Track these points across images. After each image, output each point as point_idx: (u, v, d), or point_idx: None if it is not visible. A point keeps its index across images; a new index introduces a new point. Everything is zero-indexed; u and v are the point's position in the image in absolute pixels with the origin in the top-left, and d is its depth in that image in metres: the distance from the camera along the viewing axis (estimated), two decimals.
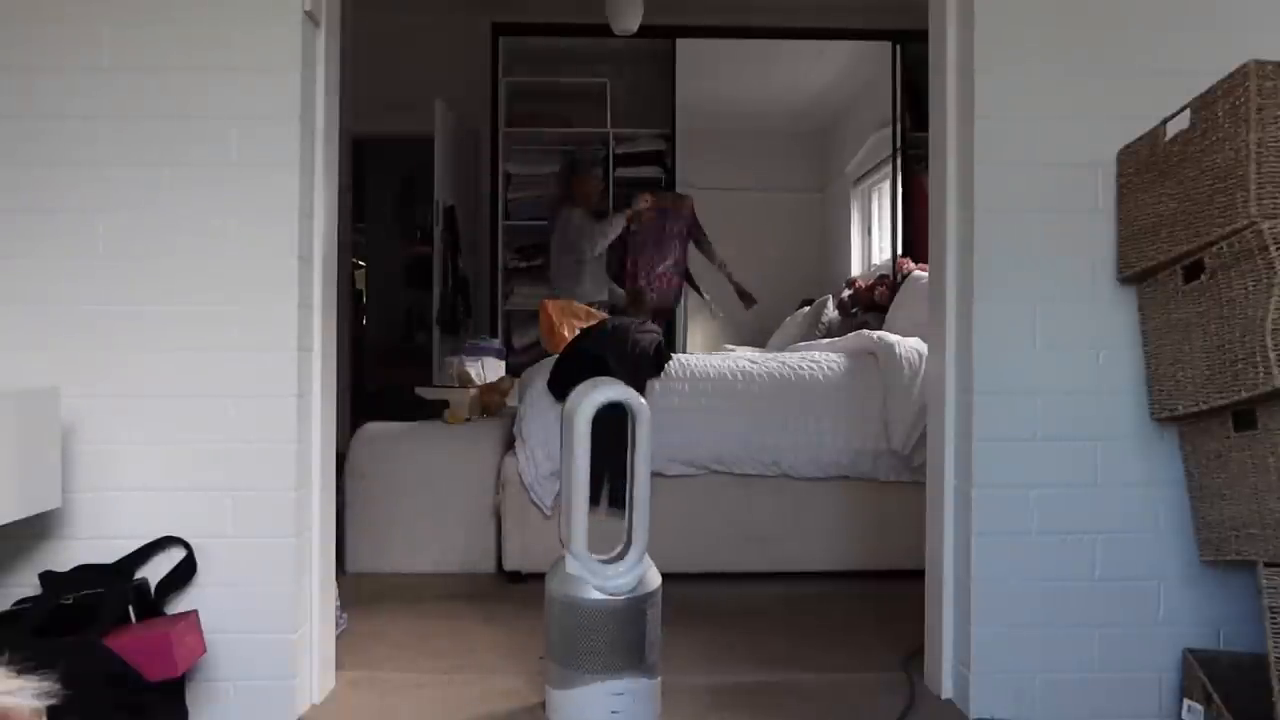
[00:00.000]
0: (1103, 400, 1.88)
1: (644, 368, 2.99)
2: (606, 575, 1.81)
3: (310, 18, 1.88)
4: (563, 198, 4.90)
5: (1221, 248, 1.59)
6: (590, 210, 4.77)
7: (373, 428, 3.19)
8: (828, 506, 2.99)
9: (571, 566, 1.83)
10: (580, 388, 1.89)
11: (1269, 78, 1.52)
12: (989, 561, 1.87)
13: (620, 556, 1.87)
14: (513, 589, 2.90)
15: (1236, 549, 1.68)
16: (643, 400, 1.88)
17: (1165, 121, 1.73)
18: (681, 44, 5.47)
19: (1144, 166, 1.79)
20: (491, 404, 3.49)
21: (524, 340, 5.64)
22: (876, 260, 5.55)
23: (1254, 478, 1.62)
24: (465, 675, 2.13)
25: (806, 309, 5.04)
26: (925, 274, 4.08)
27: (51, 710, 1.22)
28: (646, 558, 1.87)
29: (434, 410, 3.30)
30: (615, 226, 4.67)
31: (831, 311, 4.72)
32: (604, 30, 4.84)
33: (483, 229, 5.63)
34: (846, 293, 4.71)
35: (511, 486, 2.96)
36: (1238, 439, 1.65)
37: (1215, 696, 1.69)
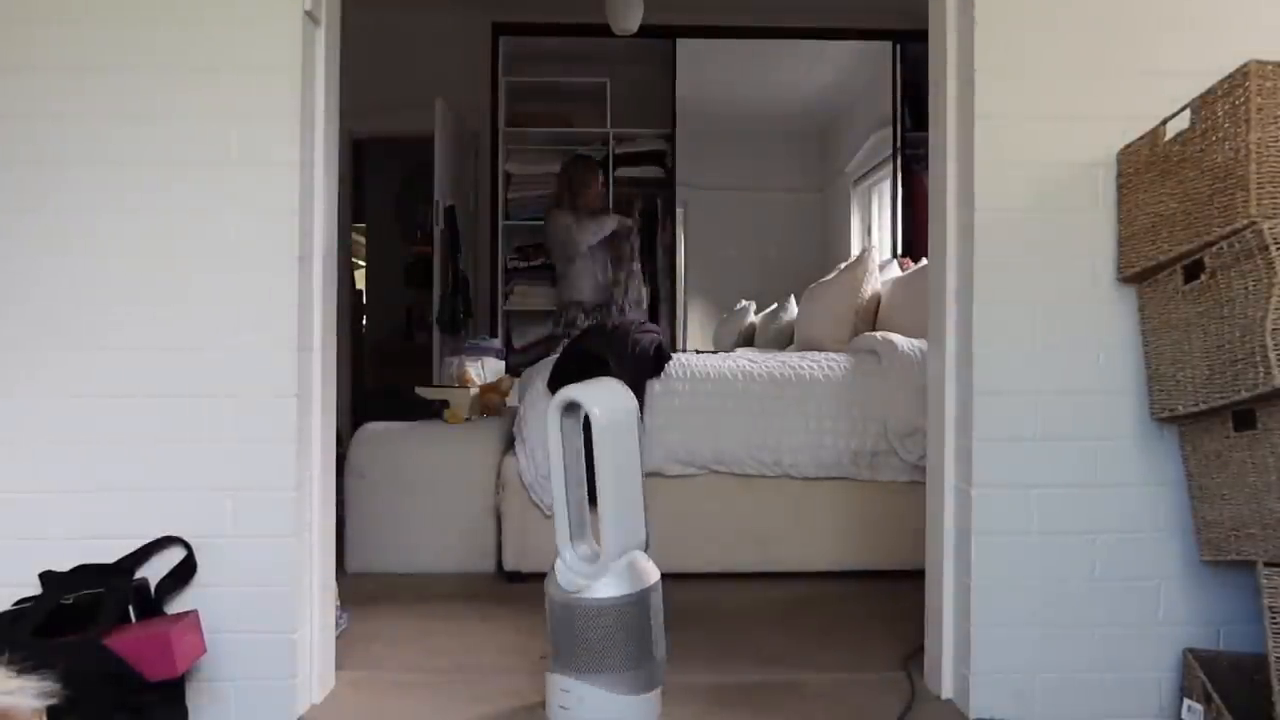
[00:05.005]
0: (1103, 400, 1.87)
1: (644, 368, 2.99)
2: (587, 575, 1.81)
3: (310, 17, 1.88)
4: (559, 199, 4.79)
5: (1221, 248, 1.59)
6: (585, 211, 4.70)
7: (373, 428, 3.19)
8: (828, 506, 2.99)
9: (557, 566, 1.83)
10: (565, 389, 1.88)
11: (1269, 78, 1.52)
12: (989, 561, 1.87)
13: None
14: (512, 589, 2.89)
15: (1236, 549, 1.68)
16: (598, 403, 1.81)
17: (1165, 121, 1.73)
18: (681, 44, 5.47)
19: (1144, 166, 1.79)
20: (491, 404, 3.49)
21: (524, 340, 5.65)
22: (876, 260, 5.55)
23: (1254, 478, 1.62)
24: (465, 675, 2.13)
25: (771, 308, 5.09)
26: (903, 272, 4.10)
27: (51, 710, 1.22)
28: (639, 558, 1.87)
29: (434, 410, 3.30)
30: (606, 226, 4.64)
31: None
32: (604, 30, 4.84)
33: (483, 229, 5.63)
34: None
35: (511, 486, 2.96)
36: (1238, 439, 1.65)
37: (1215, 696, 1.69)
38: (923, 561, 2.07)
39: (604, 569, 1.80)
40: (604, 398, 1.84)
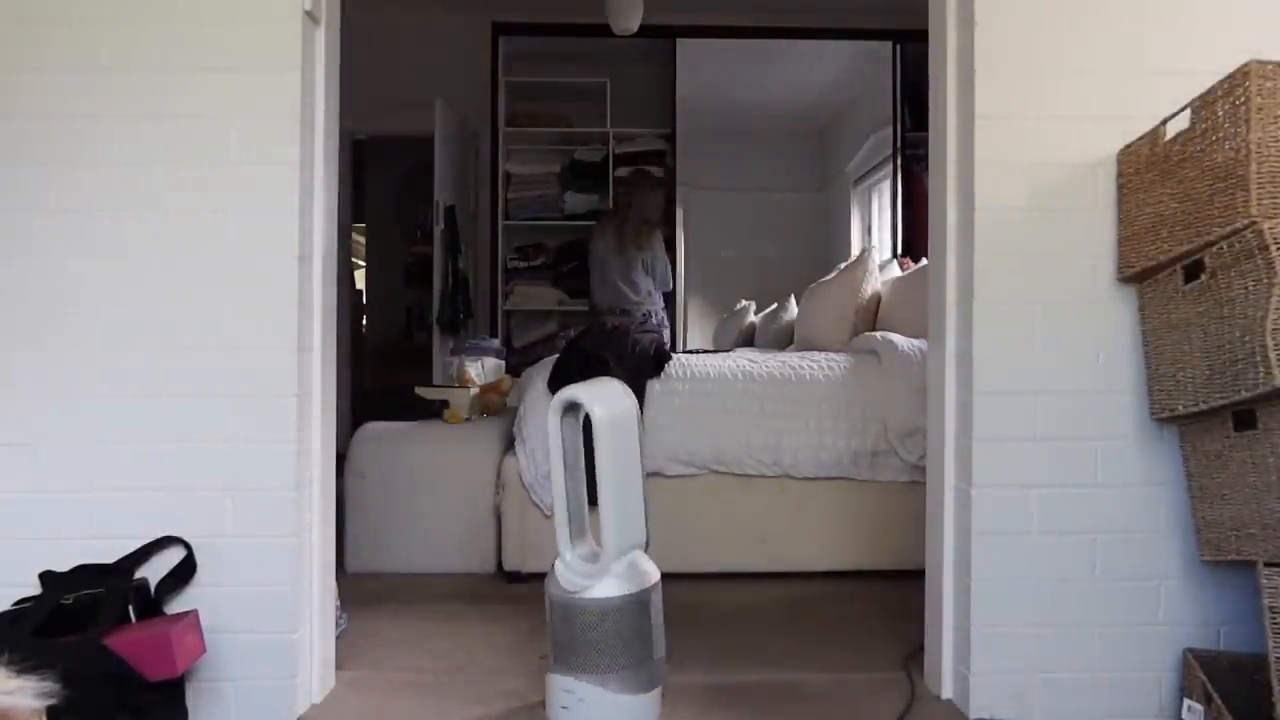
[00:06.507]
0: (1103, 400, 1.87)
1: (644, 368, 2.99)
2: (587, 575, 1.81)
3: (310, 17, 1.88)
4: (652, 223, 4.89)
5: (1221, 247, 1.59)
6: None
7: (373, 428, 3.19)
8: (828, 506, 2.99)
9: (557, 566, 1.83)
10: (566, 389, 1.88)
11: (1269, 78, 1.52)
12: (989, 561, 1.87)
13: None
14: (513, 589, 2.89)
15: (1236, 549, 1.68)
16: (599, 403, 1.81)
17: (1165, 121, 1.73)
18: (681, 44, 5.48)
19: (1144, 166, 1.79)
20: (491, 404, 3.49)
21: (524, 340, 5.65)
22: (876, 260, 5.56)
23: (1254, 478, 1.62)
24: (465, 675, 2.13)
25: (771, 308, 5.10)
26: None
27: (51, 710, 1.22)
28: (640, 558, 1.87)
29: (434, 410, 3.30)
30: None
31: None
32: (604, 30, 4.84)
33: (483, 229, 5.63)
34: None
35: (511, 486, 2.96)
36: (1238, 439, 1.65)
37: (1215, 696, 1.69)
38: (923, 561, 2.07)
39: (605, 569, 1.80)
40: (604, 397, 1.84)
